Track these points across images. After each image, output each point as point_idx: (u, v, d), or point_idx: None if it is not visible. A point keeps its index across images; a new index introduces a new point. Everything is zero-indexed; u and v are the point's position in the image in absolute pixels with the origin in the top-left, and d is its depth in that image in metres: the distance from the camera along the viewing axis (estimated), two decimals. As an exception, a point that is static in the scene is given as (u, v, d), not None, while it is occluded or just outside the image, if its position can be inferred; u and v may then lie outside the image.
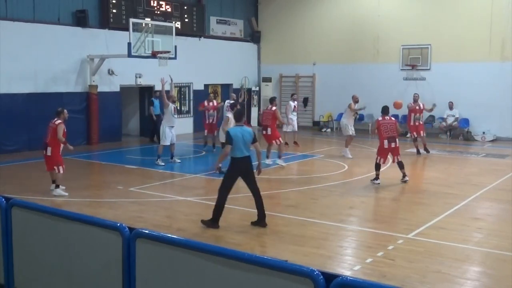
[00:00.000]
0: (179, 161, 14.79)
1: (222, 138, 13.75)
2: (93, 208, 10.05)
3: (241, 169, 8.70)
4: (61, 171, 10.97)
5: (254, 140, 8.68)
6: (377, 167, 12.43)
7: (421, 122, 17.18)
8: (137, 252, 4.28)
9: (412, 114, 17.09)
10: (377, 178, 12.35)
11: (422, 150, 16.87)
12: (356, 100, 16.31)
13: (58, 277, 4.95)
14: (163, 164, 14.20)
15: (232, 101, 17.19)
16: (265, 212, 8.79)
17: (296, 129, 18.49)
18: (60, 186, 11.06)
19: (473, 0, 20.76)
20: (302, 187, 11.91)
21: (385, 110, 12.68)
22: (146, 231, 4.37)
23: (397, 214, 9.88)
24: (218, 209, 8.66)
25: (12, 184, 11.70)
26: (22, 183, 12.07)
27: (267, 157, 14.45)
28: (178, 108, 22.26)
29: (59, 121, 11.00)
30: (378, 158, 12.44)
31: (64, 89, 17.99)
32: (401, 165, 12.46)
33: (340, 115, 23.89)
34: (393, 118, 12.83)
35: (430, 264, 7.08)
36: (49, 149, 10.96)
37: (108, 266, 4.48)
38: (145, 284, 4.27)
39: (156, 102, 19.03)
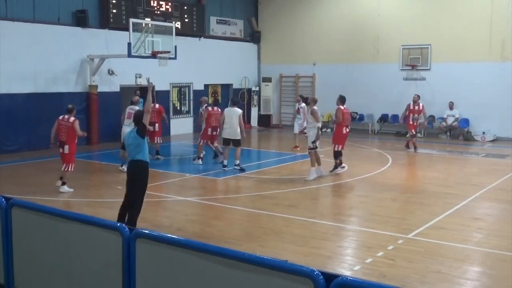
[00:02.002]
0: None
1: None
2: (93, 208, 10.05)
3: (128, 172, 8.25)
4: (71, 169, 11.28)
5: (140, 135, 7.97)
6: (338, 154, 13.40)
7: (418, 123, 17.98)
8: (137, 252, 4.28)
9: (411, 115, 17.69)
10: (341, 163, 13.37)
11: (411, 148, 17.60)
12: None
13: (58, 277, 4.95)
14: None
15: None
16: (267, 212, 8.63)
17: (296, 131, 17.64)
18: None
19: (473, 0, 20.76)
20: (302, 187, 11.91)
21: (344, 100, 13.81)
22: (146, 231, 4.37)
23: (397, 214, 9.87)
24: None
25: (12, 184, 11.70)
26: (22, 183, 12.07)
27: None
28: (178, 108, 22.33)
29: (73, 118, 11.22)
30: (338, 146, 13.39)
31: (64, 89, 18.00)
32: (339, 154, 13.46)
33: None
34: (348, 109, 14.12)
35: (430, 264, 7.08)
36: (66, 147, 11.13)
37: (108, 266, 4.48)
38: (145, 284, 4.27)
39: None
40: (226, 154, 13.79)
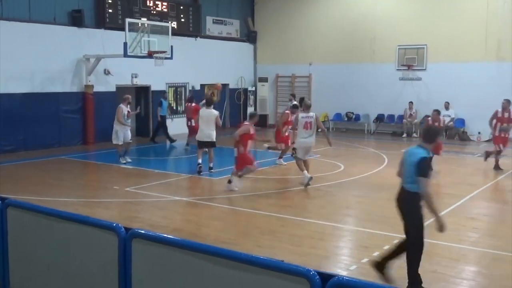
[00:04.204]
0: (129, 160, 15.14)
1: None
2: (89, 208, 10.03)
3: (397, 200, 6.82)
4: (255, 167, 11.65)
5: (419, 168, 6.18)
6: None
7: (507, 135, 14.11)
8: (133, 252, 4.27)
9: (499, 124, 14.12)
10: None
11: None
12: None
13: (54, 278, 4.94)
14: (126, 161, 14.89)
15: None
16: (263, 212, 8.38)
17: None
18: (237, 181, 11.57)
19: (469, 0, 20.81)
20: (299, 187, 11.90)
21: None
22: (142, 231, 4.36)
23: (393, 214, 9.79)
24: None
25: (7, 184, 11.67)
26: (18, 183, 12.04)
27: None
28: (174, 107, 22.33)
29: (247, 122, 11.77)
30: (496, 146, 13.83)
31: (60, 89, 17.96)
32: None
33: (337, 116, 24.04)
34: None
35: (426, 264, 7.07)
36: (241, 148, 11.38)
37: (104, 266, 4.47)
38: (141, 284, 4.27)
39: (165, 102, 19.17)
40: (200, 156, 13.46)
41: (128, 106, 15.20)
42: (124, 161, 14.83)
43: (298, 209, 10.06)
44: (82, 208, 9.85)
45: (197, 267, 3.91)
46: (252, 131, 11.46)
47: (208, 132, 13.23)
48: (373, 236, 8.46)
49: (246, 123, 11.75)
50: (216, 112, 13.34)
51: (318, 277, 3.27)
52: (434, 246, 7.91)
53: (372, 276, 6.60)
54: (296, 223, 9.12)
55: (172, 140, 19.13)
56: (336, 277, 3.24)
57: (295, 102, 17.69)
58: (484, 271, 7.06)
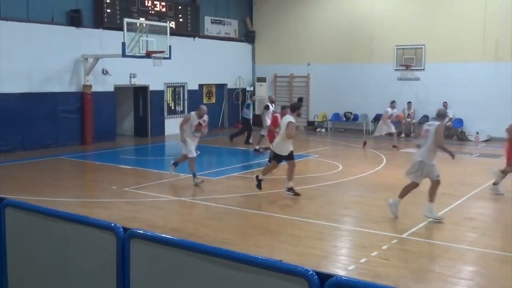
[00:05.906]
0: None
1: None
2: (87, 208, 10.02)
3: None
4: None
5: None
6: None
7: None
8: (131, 252, 4.26)
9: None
10: None
11: None
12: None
13: (52, 278, 4.94)
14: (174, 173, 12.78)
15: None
16: (261, 212, 8.36)
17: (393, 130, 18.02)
18: None
19: (467, 0, 20.83)
20: (297, 187, 11.87)
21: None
22: (141, 231, 4.36)
23: (392, 214, 9.88)
24: None
25: (5, 184, 11.65)
26: (16, 183, 12.02)
27: None
28: (174, 108, 22.31)
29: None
30: None
31: (58, 89, 17.94)
32: None
33: (335, 116, 24.05)
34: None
35: (424, 264, 7.10)
36: None
37: (103, 266, 4.47)
38: (139, 284, 4.26)
39: (251, 105, 18.89)
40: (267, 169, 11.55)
41: (202, 118, 12.11)
42: (174, 172, 12.70)
43: (296, 209, 10.06)
44: (80, 208, 9.85)
45: (195, 267, 3.91)
46: None
47: (276, 140, 11.36)
48: (371, 236, 8.46)
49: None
50: (288, 119, 10.78)
51: (316, 277, 3.27)
52: (432, 246, 7.93)
53: (370, 276, 6.61)
54: (294, 223, 9.12)
55: (248, 143, 18.32)
56: (335, 277, 3.24)
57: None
58: (483, 271, 7.06)
